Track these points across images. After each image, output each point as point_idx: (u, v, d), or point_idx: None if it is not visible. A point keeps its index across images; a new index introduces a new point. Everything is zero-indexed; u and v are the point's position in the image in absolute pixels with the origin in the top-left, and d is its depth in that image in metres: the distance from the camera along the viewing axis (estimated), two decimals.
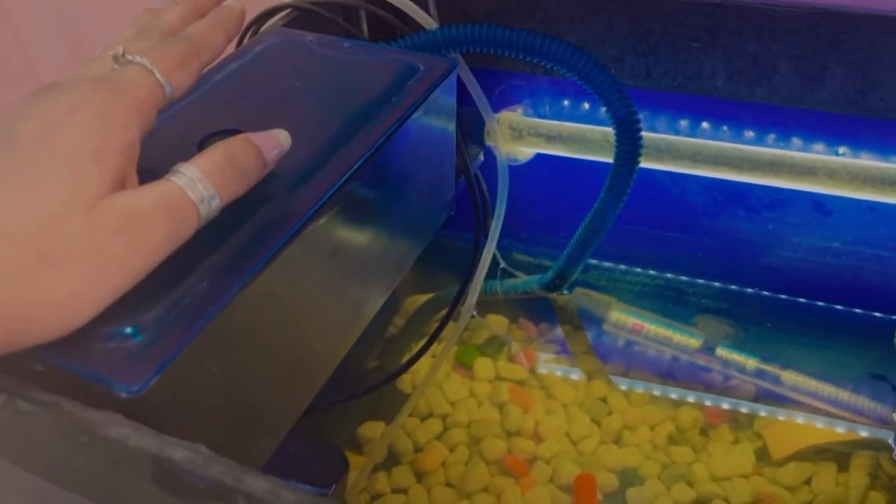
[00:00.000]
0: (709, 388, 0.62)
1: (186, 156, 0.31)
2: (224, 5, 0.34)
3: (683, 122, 0.58)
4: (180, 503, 0.21)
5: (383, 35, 0.54)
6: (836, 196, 0.54)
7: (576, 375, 0.64)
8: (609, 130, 0.51)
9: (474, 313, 0.67)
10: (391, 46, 0.48)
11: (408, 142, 0.39)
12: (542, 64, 0.48)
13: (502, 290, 0.68)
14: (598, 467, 0.57)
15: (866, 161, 0.52)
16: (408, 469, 0.58)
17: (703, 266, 0.67)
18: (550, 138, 0.58)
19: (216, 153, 0.29)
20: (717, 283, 0.68)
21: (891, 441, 0.56)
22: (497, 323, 0.69)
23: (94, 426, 0.23)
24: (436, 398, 0.63)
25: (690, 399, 0.61)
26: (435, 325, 0.57)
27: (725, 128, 0.57)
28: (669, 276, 0.69)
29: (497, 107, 0.61)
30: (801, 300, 0.66)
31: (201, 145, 0.34)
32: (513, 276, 0.70)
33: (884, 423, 0.57)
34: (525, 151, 0.61)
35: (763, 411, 0.60)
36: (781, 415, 0.59)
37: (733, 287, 0.67)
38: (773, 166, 0.52)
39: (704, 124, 0.57)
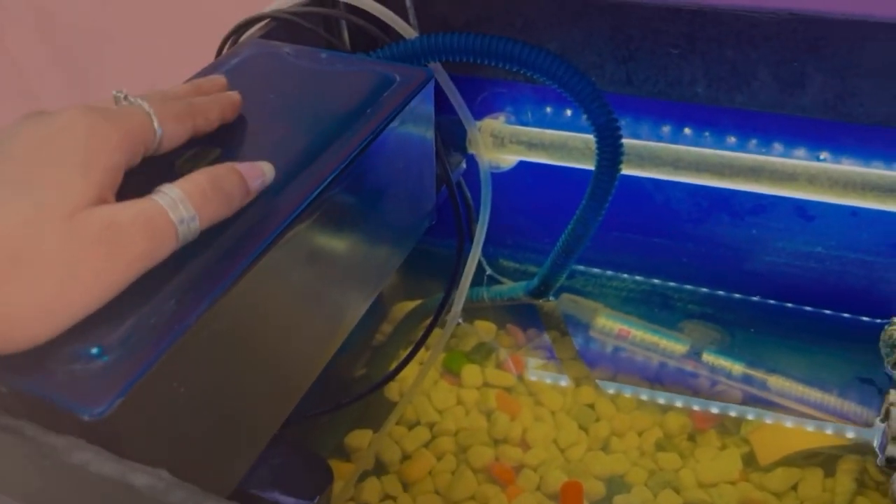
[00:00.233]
0: (696, 393, 0.62)
1: (162, 170, 0.31)
2: (226, 92, 0.37)
3: (665, 129, 0.58)
4: None
5: (365, 45, 0.54)
6: (819, 201, 0.54)
7: (563, 382, 0.64)
8: (591, 137, 0.51)
9: (460, 320, 0.67)
10: (369, 57, 0.48)
11: (385, 152, 0.39)
12: (522, 72, 0.48)
13: (489, 296, 0.68)
14: (585, 474, 0.57)
15: (847, 167, 0.52)
16: (395, 478, 0.58)
17: (688, 272, 0.67)
18: (532, 146, 0.58)
19: (200, 177, 0.29)
20: (703, 289, 0.68)
21: (876, 445, 0.56)
22: (485, 329, 0.69)
23: (55, 451, 0.22)
24: (423, 406, 0.62)
25: (678, 404, 0.61)
26: (422, 333, 0.57)
27: (707, 134, 0.57)
28: (656, 281, 0.69)
29: (479, 114, 0.61)
30: (788, 305, 0.66)
31: (175, 163, 0.34)
32: (499, 282, 0.70)
33: (870, 426, 0.57)
34: (508, 159, 0.61)
35: (750, 416, 0.60)
36: (769, 419, 0.59)
37: (719, 292, 0.67)
38: (755, 172, 0.52)
39: (686, 130, 0.57)
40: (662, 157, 0.55)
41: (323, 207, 0.34)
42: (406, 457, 0.59)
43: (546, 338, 0.68)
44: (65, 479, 0.22)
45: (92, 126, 0.27)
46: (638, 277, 0.70)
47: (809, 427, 0.59)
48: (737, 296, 0.67)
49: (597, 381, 0.64)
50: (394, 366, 0.57)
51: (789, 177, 0.52)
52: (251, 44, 0.45)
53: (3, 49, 0.85)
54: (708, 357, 0.63)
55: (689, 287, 0.68)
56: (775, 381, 0.61)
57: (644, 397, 0.62)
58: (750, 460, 0.57)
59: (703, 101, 0.54)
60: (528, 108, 0.62)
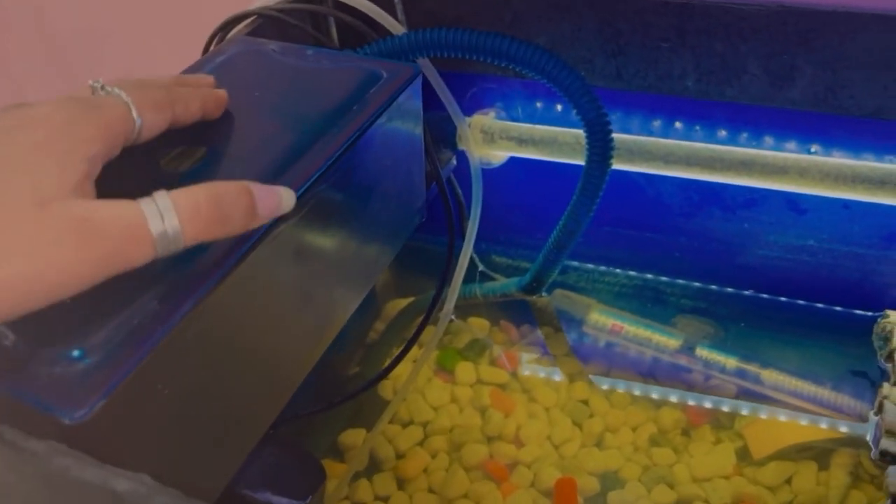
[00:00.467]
0: (690, 388, 0.62)
1: (146, 169, 0.31)
2: (213, 90, 0.36)
3: (655, 123, 0.57)
4: None
5: (353, 42, 0.54)
6: (810, 194, 0.54)
7: (557, 378, 0.64)
8: (581, 133, 0.51)
9: (453, 317, 0.67)
10: (356, 54, 0.48)
11: (372, 148, 0.39)
12: (511, 67, 0.48)
13: (481, 293, 0.68)
14: (579, 471, 0.57)
15: (838, 159, 0.52)
16: (389, 476, 0.58)
17: (681, 266, 0.67)
18: (522, 141, 0.58)
19: (200, 190, 0.27)
20: (695, 283, 0.68)
21: (869, 439, 0.56)
22: (478, 326, 0.69)
23: (35, 457, 0.22)
24: (417, 404, 0.62)
25: (671, 399, 0.61)
26: (415, 330, 0.57)
27: (698, 128, 0.56)
28: (648, 276, 0.69)
29: (469, 110, 0.60)
30: (781, 299, 0.66)
31: (160, 162, 0.33)
32: (492, 278, 0.70)
33: (864, 420, 0.57)
34: (498, 155, 0.61)
35: (744, 410, 0.60)
36: (762, 414, 0.59)
37: (712, 287, 0.67)
38: (746, 166, 0.52)
39: (677, 124, 0.57)
40: (653, 151, 0.55)
41: (310, 204, 0.34)
42: (400, 455, 0.59)
43: (539, 334, 0.68)
44: (46, 485, 0.22)
45: (69, 117, 0.27)
46: (631, 272, 0.70)
47: (803, 421, 0.59)
48: (730, 290, 0.67)
49: (590, 376, 0.64)
50: (387, 363, 0.57)
51: (780, 170, 0.52)
52: (237, 41, 0.44)
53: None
54: (701, 352, 0.63)
55: (681, 282, 0.68)
56: (769, 375, 0.61)
57: (638, 393, 0.62)
58: (744, 455, 0.57)
59: (694, 95, 0.54)
60: (518, 103, 0.61)
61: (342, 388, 0.63)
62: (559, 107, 0.60)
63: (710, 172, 0.54)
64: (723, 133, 0.56)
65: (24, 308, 0.24)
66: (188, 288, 0.28)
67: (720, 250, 0.64)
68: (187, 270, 0.28)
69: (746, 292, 0.66)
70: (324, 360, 0.40)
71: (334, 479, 0.56)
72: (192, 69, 0.41)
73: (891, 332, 0.58)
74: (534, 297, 0.66)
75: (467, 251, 0.57)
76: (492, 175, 0.60)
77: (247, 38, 0.45)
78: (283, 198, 0.31)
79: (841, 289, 0.62)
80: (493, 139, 0.58)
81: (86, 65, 0.81)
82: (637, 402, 0.61)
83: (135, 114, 0.30)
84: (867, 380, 0.60)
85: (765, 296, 0.66)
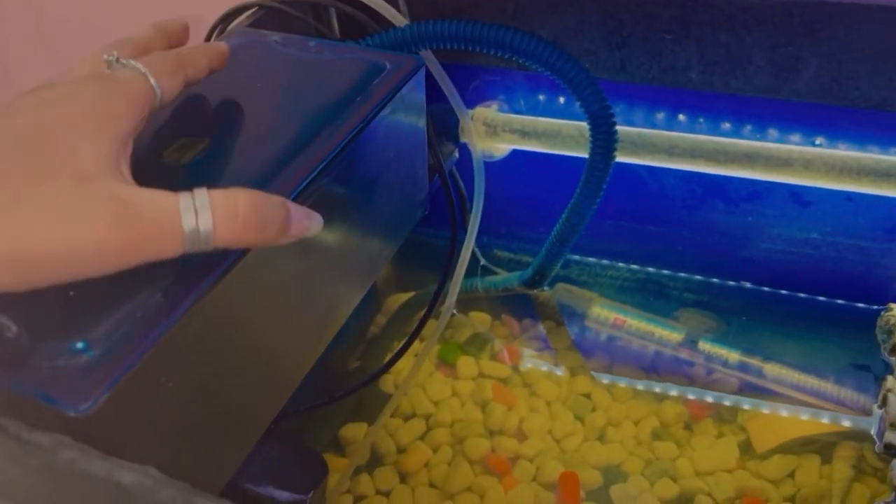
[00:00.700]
0: (692, 381, 0.62)
1: (148, 161, 0.31)
2: (212, 43, 0.36)
3: (659, 115, 0.57)
4: None
5: (355, 33, 0.53)
6: (814, 187, 0.54)
7: (559, 372, 0.64)
8: (585, 125, 0.51)
9: (454, 311, 0.67)
10: (358, 45, 0.47)
11: (375, 141, 0.39)
12: (514, 59, 0.48)
13: (483, 287, 0.68)
14: (581, 465, 0.57)
15: (843, 151, 0.52)
16: (391, 470, 0.58)
17: (684, 259, 0.67)
18: (525, 134, 0.57)
19: (241, 195, 0.27)
20: (698, 277, 0.67)
21: (873, 432, 0.55)
22: (479, 320, 0.68)
23: (40, 450, 0.22)
24: (419, 398, 0.62)
25: (674, 393, 0.61)
26: (417, 324, 0.56)
27: (702, 120, 0.56)
28: (651, 270, 0.69)
29: (472, 103, 0.60)
30: (783, 292, 0.65)
31: (163, 154, 0.33)
32: (493, 272, 0.70)
33: (867, 413, 0.57)
34: (501, 147, 0.61)
35: (746, 404, 0.59)
36: (765, 407, 0.59)
37: (714, 280, 0.67)
38: (750, 158, 0.52)
39: (680, 117, 0.57)
40: (657, 143, 0.54)
41: (313, 198, 0.33)
42: (401, 449, 0.59)
43: (541, 328, 0.67)
44: (51, 478, 0.22)
45: (98, 94, 0.27)
46: (633, 266, 0.69)
47: (806, 414, 0.58)
48: (732, 283, 0.67)
49: (592, 370, 0.63)
50: (388, 358, 0.57)
51: (785, 162, 0.51)
52: (239, 32, 0.44)
53: None
54: (704, 345, 0.63)
55: (684, 275, 0.68)
56: (771, 369, 0.61)
57: (640, 386, 0.62)
58: (747, 448, 0.57)
59: (698, 87, 0.53)
60: (521, 95, 0.61)
61: (343, 382, 0.63)
62: (562, 99, 0.60)
63: (714, 165, 0.53)
64: (727, 125, 0.56)
65: (53, 279, 0.24)
66: (192, 281, 0.28)
67: (723, 243, 0.64)
68: (191, 263, 0.28)
69: (749, 285, 0.66)
70: (325, 354, 0.40)
71: (336, 473, 0.56)
72: None
73: (894, 325, 0.58)
74: (536, 290, 0.66)
75: (469, 245, 0.57)
76: (494, 168, 0.60)
77: (248, 30, 0.45)
78: (313, 221, 0.31)
79: (844, 282, 0.62)
80: (495, 132, 0.58)
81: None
82: (639, 396, 0.61)
83: (153, 82, 0.30)
84: (870, 373, 0.60)
85: (767, 289, 0.66)
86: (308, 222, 0.30)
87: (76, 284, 0.26)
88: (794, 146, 0.53)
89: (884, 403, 0.55)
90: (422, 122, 0.44)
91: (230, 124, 0.36)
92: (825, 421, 0.58)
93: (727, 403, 0.60)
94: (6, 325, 0.25)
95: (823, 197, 0.58)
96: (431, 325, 0.60)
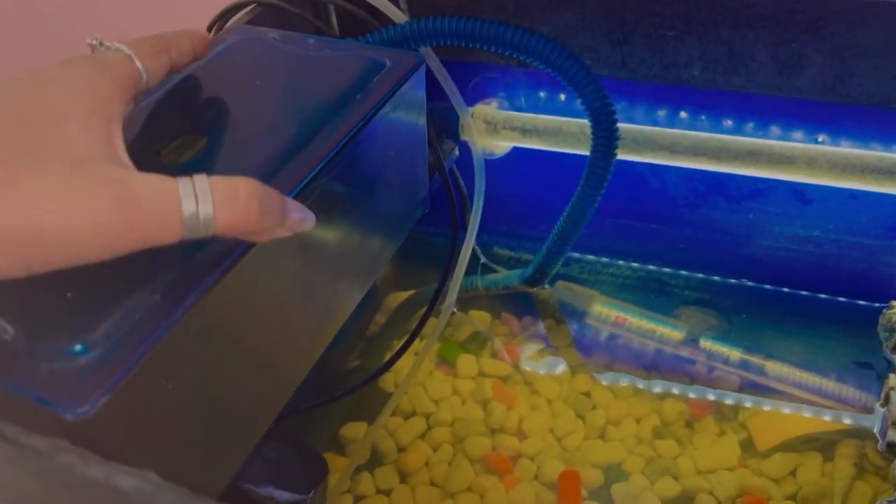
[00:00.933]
0: (693, 380, 0.61)
1: (147, 159, 0.30)
2: (193, 29, 0.36)
3: (661, 113, 0.57)
4: None
5: (354, 30, 0.53)
6: (817, 184, 0.53)
7: (559, 370, 0.64)
8: (586, 122, 0.50)
9: (455, 310, 0.66)
10: (357, 42, 0.47)
11: (376, 139, 0.38)
12: (514, 56, 0.47)
13: (483, 285, 0.67)
14: (582, 463, 0.57)
15: (846, 149, 0.52)
16: (391, 469, 0.58)
17: (685, 257, 0.67)
18: (526, 132, 0.57)
19: (241, 182, 0.27)
20: (699, 275, 0.67)
21: (875, 430, 0.55)
22: (479, 319, 0.68)
23: (38, 454, 0.21)
24: (419, 396, 0.62)
25: (675, 391, 0.61)
26: (417, 323, 0.56)
27: (704, 117, 0.56)
28: (651, 267, 0.69)
29: (472, 100, 0.60)
30: (785, 290, 0.65)
31: (161, 152, 0.33)
32: (494, 270, 0.69)
33: (869, 411, 0.57)
34: (501, 145, 0.60)
35: (748, 402, 0.59)
36: (766, 405, 0.59)
37: (716, 278, 0.67)
38: (752, 156, 0.51)
39: (682, 114, 0.56)
40: (658, 141, 0.54)
41: (313, 196, 0.33)
42: (402, 448, 0.59)
43: (541, 326, 0.67)
44: (48, 482, 0.22)
45: (86, 77, 0.27)
46: (634, 264, 0.69)
47: (807, 412, 0.58)
48: (734, 281, 0.66)
49: (593, 369, 0.63)
50: (388, 356, 0.56)
51: (787, 160, 0.51)
52: (237, 30, 0.44)
53: None
54: (705, 343, 0.63)
55: (685, 273, 0.68)
56: (773, 367, 0.60)
57: (641, 385, 0.62)
58: (748, 446, 0.57)
59: (700, 84, 0.53)
60: (522, 93, 0.61)
61: (343, 381, 0.63)
62: (563, 96, 0.60)
63: (716, 162, 0.53)
64: (729, 122, 0.56)
65: (51, 263, 0.23)
66: (191, 281, 0.27)
67: (725, 241, 0.64)
68: (190, 264, 0.28)
69: (751, 283, 0.66)
70: (325, 353, 0.39)
71: (336, 472, 0.56)
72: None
73: None
74: (536, 289, 0.65)
75: (469, 243, 0.57)
76: (495, 166, 0.60)
77: (246, 27, 0.44)
78: (307, 217, 0.30)
79: (847, 279, 0.62)
80: (496, 129, 0.58)
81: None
82: (640, 394, 0.61)
83: (139, 64, 0.30)
84: (872, 371, 0.59)
85: (769, 287, 0.65)
86: (302, 217, 0.30)
87: (74, 285, 0.26)
88: (797, 143, 0.53)
89: (886, 401, 0.55)
90: (422, 120, 0.44)
91: (229, 123, 0.36)
92: (827, 419, 0.58)
93: (728, 401, 0.60)
94: (3, 327, 0.25)
95: (826, 195, 0.58)
96: (432, 324, 0.60)
